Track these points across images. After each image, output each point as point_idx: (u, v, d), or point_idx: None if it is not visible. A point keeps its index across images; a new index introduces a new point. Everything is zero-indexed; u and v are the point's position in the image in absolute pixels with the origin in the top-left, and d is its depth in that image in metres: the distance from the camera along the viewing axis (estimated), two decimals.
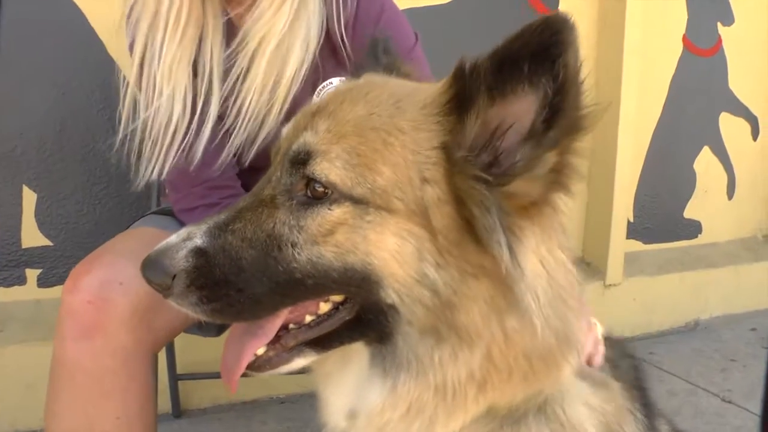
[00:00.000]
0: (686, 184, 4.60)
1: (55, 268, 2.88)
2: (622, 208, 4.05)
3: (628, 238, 4.18)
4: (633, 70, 3.88)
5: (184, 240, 0.99)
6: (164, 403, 2.90)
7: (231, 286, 0.97)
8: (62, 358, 1.56)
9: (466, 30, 3.52)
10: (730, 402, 3.28)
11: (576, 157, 0.92)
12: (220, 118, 1.78)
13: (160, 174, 1.76)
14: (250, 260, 0.98)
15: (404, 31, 1.88)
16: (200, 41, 1.76)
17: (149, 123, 1.73)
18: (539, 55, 0.85)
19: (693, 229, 4.68)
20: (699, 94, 4.48)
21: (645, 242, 4.46)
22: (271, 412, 3.03)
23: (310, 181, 0.98)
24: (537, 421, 1.03)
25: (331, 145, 0.97)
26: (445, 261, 0.94)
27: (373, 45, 1.37)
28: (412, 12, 3.00)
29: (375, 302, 0.98)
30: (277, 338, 1.04)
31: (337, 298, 1.03)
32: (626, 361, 1.28)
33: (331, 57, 1.81)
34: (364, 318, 1.01)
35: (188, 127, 1.74)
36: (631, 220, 4.33)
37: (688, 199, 4.61)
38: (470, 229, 0.93)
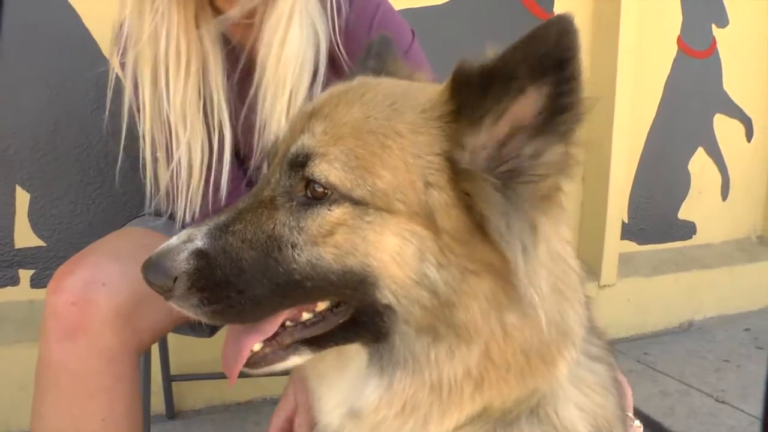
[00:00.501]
0: (681, 185, 4.61)
1: (49, 269, 2.86)
2: (617, 209, 4.07)
3: (622, 238, 4.20)
4: (628, 72, 3.89)
5: (185, 242, 0.98)
6: (158, 404, 2.89)
7: (232, 287, 0.97)
8: (47, 359, 1.56)
9: (462, 30, 3.52)
10: (723, 402, 3.29)
11: (575, 146, 0.93)
12: (236, 148, 1.78)
13: (193, 216, 1.74)
14: (250, 261, 0.97)
15: (400, 30, 1.86)
16: (204, 74, 1.73)
17: (175, 170, 1.72)
18: (546, 58, 0.86)
19: (687, 230, 4.69)
20: (693, 95, 4.49)
21: (639, 243, 4.47)
22: (265, 413, 3.02)
23: (309, 182, 0.97)
24: (529, 424, 1.02)
25: (329, 147, 0.97)
26: (447, 260, 0.94)
27: (369, 47, 1.36)
28: (408, 12, 3.00)
29: (370, 304, 0.98)
30: (274, 335, 1.04)
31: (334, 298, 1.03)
32: None
33: (329, 64, 1.78)
34: (360, 320, 1.00)
35: (209, 165, 1.72)
36: (626, 221, 4.34)
37: (682, 200, 4.63)
38: (479, 227, 0.94)
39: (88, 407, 1.56)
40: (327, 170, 0.95)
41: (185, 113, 1.69)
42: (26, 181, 2.81)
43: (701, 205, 4.69)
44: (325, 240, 0.96)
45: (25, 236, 2.83)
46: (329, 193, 0.96)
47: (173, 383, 2.93)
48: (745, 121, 4.79)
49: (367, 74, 1.26)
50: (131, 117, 1.77)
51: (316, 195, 0.97)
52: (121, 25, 1.75)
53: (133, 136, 1.79)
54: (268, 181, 1.05)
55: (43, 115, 2.78)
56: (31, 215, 2.84)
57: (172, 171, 1.72)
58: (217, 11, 1.73)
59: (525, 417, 1.02)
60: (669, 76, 4.39)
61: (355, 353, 1.05)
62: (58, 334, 1.53)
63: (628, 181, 4.30)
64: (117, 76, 1.78)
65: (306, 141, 0.99)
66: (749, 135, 4.84)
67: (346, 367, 1.07)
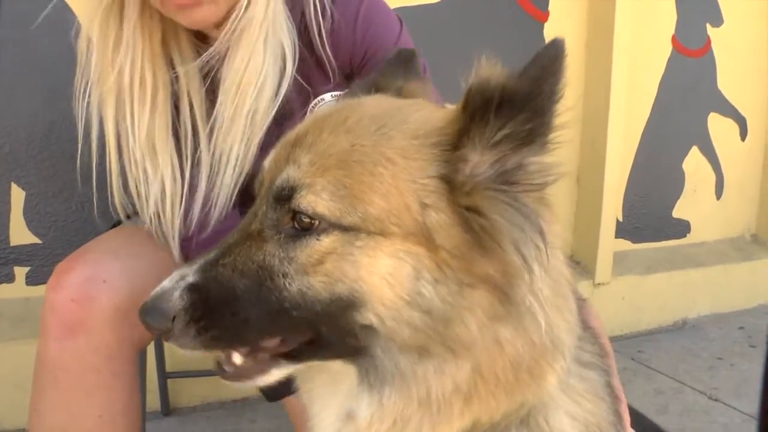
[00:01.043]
0: (675, 184, 4.62)
1: (44, 266, 2.86)
2: (611, 208, 4.07)
3: (617, 237, 4.20)
4: (622, 71, 3.90)
5: (178, 281, 0.99)
6: (153, 401, 2.89)
7: (226, 311, 0.98)
8: (45, 355, 1.56)
9: (456, 28, 3.53)
10: (716, 400, 3.30)
11: (554, 155, 0.94)
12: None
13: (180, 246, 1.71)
14: (243, 288, 0.98)
15: (387, 20, 1.83)
16: (177, 101, 1.67)
17: (147, 202, 1.67)
18: (541, 85, 0.88)
19: (681, 228, 4.70)
20: (688, 94, 4.50)
21: (634, 241, 4.49)
22: (260, 410, 3.02)
23: (296, 213, 0.97)
24: None
25: (316, 178, 0.96)
26: (445, 275, 0.94)
27: (388, 64, 1.34)
28: (403, 10, 3.00)
29: (342, 327, 0.97)
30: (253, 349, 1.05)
31: None
32: None
33: (316, 69, 1.77)
34: (323, 340, 1.01)
35: (182, 195, 1.67)
36: (620, 219, 4.35)
37: (676, 199, 4.64)
38: (478, 239, 0.93)
39: (86, 404, 1.56)
40: (314, 201, 0.94)
41: (153, 146, 1.64)
42: (21, 179, 2.81)
43: (695, 203, 4.71)
44: (316, 269, 0.96)
45: (20, 233, 2.83)
46: (317, 223, 0.95)
47: (169, 380, 2.94)
48: (739, 120, 4.80)
49: (365, 88, 1.26)
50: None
51: (304, 225, 0.96)
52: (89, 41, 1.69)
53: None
54: (255, 213, 1.04)
55: (39, 113, 2.78)
56: (27, 213, 2.83)
57: (141, 200, 1.69)
58: (195, 34, 1.71)
59: (515, 427, 1.02)
60: (663, 75, 4.40)
61: (345, 371, 1.04)
62: (58, 331, 1.53)
63: (622, 179, 4.31)
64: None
65: (291, 173, 0.98)
66: (743, 134, 4.85)
67: (337, 385, 1.07)
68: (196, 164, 1.69)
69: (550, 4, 3.85)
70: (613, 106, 3.87)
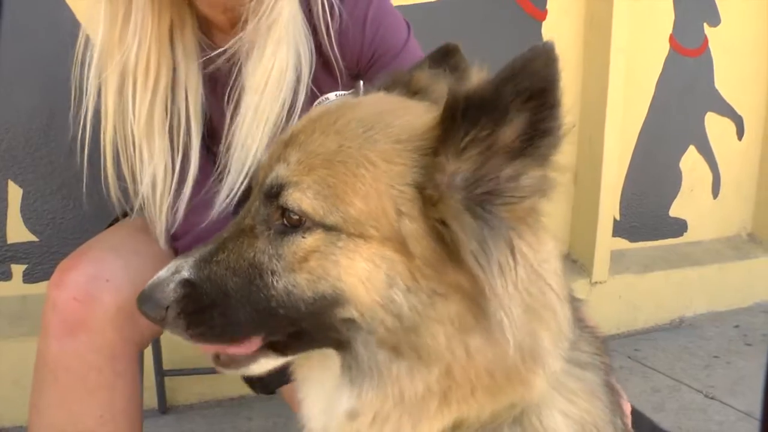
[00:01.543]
0: (672, 183, 4.63)
1: (41, 264, 2.87)
2: (609, 207, 4.08)
3: (614, 236, 4.21)
4: (620, 70, 3.90)
5: (173, 273, 1.03)
6: (150, 399, 2.89)
7: (217, 309, 1.01)
8: (46, 354, 1.56)
9: (454, 27, 3.53)
10: (713, 398, 3.31)
11: (553, 170, 0.93)
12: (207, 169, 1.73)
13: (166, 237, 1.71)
14: (234, 287, 1.02)
15: (395, 25, 1.83)
16: (173, 90, 1.66)
17: (140, 185, 1.67)
18: (533, 88, 0.86)
19: (678, 227, 4.71)
20: (685, 93, 4.51)
21: (631, 240, 4.50)
22: (257, 408, 3.03)
23: (285, 210, 0.99)
24: None
25: (303, 176, 0.98)
26: (417, 284, 0.95)
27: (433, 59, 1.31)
28: (402, 9, 3.00)
29: (324, 322, 1.00)
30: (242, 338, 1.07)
31: None
32: None
33: (324, 70, 1.77)
34: (305, 333, 1.03)
35: (171, 185, 1.67)
36: (618, 218, 4.36)
37: (673, 198, 4.65)
38: (450, 250, 0.94)
39: (87, 403, 1.56)
40: (300, 198, 0.97)
41: (151, 130, 1.63)
42: (19, 177, 2.81)
43: (692, 202, 4.72)
44: (300, 266, 0.98)
45: (17, 231, 2.83)
46: (303, 220, 0.98)
47: (166, 378, 2.94)
48: (736, 119, 4.81)
49: (376, 88, 1.26)
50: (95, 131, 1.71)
51: (292, 222, 0.99)
52: (87, 36, 1.69)
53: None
54: (249, 209, 1.07)
55: (37, 111, 2.78)
56: (24, 210, 2.83)
57: (136, 181, 1.68)
58: (203, 21, 1.71)
59: (507, 426, 1.02)
60: (661, 75, 4.40)
61: (332, 362, 1.06)
62: (59, 330, 1.53)
63: (619, 178, 4.32)
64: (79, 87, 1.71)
65: (281, 171, 1.01)
66: (740, 133, 4.86)
67: (326, 373, 1.09)
68: (186, 159, 1.69)
69: (548, 3, 3.85)
70: (610, 105, 3.87)
